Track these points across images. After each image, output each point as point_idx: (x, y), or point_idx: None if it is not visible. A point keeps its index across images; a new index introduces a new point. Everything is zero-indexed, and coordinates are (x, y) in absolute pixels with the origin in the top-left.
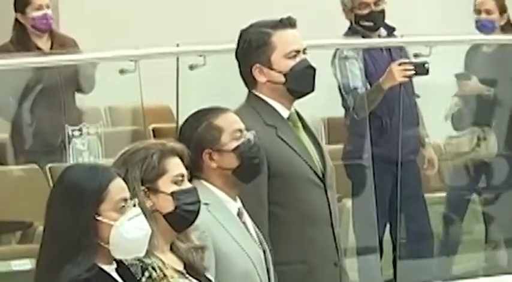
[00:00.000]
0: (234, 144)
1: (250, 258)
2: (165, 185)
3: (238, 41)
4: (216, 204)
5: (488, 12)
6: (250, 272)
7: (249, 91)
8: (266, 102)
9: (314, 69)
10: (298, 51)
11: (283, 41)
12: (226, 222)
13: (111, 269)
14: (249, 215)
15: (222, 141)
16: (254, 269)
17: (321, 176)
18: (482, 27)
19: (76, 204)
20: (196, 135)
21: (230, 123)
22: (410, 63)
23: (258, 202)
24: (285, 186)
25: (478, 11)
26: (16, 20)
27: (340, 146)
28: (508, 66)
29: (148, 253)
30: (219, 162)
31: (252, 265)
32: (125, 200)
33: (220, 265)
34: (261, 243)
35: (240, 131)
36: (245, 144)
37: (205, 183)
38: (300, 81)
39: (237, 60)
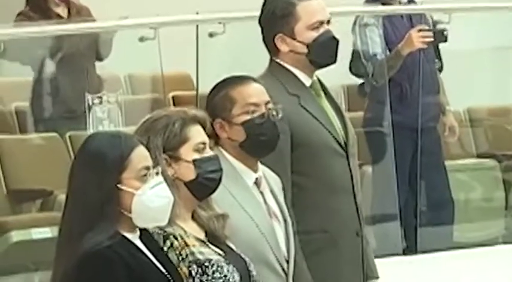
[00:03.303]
0: (244, 117)
1: (258, 227)
2: (187, 152)
3: (263, 8)
4: (227, 171)
5: None
6: (258, 240)
7: (271, 59)
8: (288, 71)
9: (337, 41)
10: (322, 22)
11: (308, 11)
12: (234, 189)
13: (134, 237)
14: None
15: (232, 113)
16: (263, 238)
17: (343, 145)
18: None
19: (98, 173)
20: (212, 103)
21: (245, 96)
22: (430, 30)
23: (281, 171)
24: (307, 155)
25: None
26: None
27: (359, 114)
28: None
29: (170, 222)
30: (228, 133)
31: (259, 234)
32: (147, 168)
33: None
34: (282, 213)
35: (255, 105)
36: (255, 119)
37: (222, 150)
38: (323, 52)
39: (261, 27)
